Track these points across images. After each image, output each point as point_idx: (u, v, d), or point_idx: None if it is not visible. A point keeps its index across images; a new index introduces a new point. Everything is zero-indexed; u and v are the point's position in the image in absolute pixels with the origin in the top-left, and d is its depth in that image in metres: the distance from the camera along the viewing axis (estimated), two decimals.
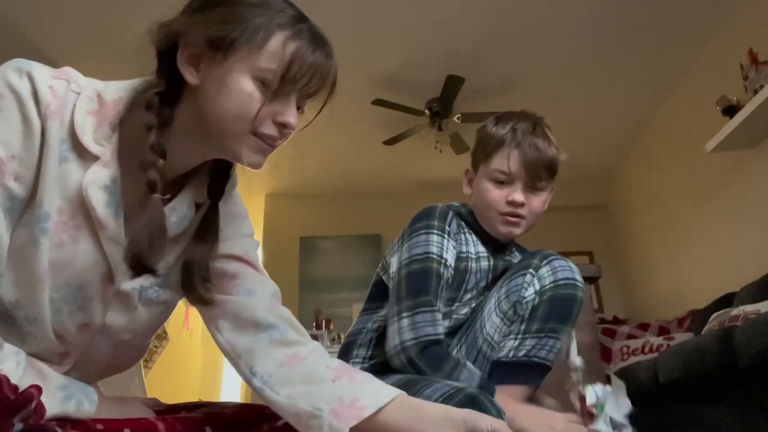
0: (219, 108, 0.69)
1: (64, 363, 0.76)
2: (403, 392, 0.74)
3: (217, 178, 0.82)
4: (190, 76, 0.70)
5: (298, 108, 0.74)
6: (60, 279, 0.69)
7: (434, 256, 1.12)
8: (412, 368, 1.05)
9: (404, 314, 1.08)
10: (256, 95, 0.69)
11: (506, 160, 1.15)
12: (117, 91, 0.72)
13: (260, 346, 0.79)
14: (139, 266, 0.70)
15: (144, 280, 0.76)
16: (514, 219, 1.16)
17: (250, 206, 5.71)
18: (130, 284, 0.75)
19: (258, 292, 0.83)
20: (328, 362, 0.78)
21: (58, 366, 0.74)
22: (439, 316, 1.10)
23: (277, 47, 0.69)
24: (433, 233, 1.14)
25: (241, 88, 0.69)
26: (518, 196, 1.14)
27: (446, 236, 1.15)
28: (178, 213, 0.77)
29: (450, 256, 1.14)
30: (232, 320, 0.81)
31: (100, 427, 0.68)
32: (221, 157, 0.78)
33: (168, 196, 0.77)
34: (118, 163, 0.70)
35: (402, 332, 1.07)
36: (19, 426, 0.52)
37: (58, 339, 0.72)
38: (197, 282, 0.77)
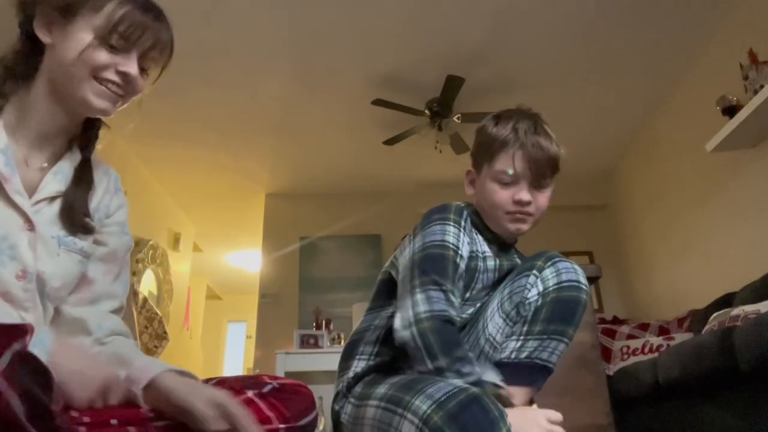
0: (65, 58, 0.84)
1: None
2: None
3: (85, 138, 0.96)
4: (44, 36, 0.85)
5: (143, 69, 0.90)
6: None
7: (450, 245, 1.11)
8: (421, 341, 1.01)
9: (417, 289, 1.06)
10: (95, 43, 0.84)
11: (511, 161, 1.15)
12: None
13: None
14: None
15: (59, 230, 0.87)
16: (522, 216, 1.16)
17: (250, 206, 5.71)
18: (49, 232, 0.85)
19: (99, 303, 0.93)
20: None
21: None
22: (454, 300, 1.07)
23: (110, 10, 0.85)
24: (450, 224, 1.14)
25: (83, 39, 0.84)
26: (525, 195, 1.15)
27: (462, 230, 1.15)
28: (63, 175, 0.89)
29: (465, 251, 1.14)
30: (67, 326, 0.90)
31: (86, 420, 0.68)
32: (78, 111, 0.89)
33: (46, 165, 0.89)
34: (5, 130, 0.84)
35: (416, 305, 1.05)
36: (7, 357, 0.50)
37: (5, 299, 0.78)
38: (78, 218, 0.89)
